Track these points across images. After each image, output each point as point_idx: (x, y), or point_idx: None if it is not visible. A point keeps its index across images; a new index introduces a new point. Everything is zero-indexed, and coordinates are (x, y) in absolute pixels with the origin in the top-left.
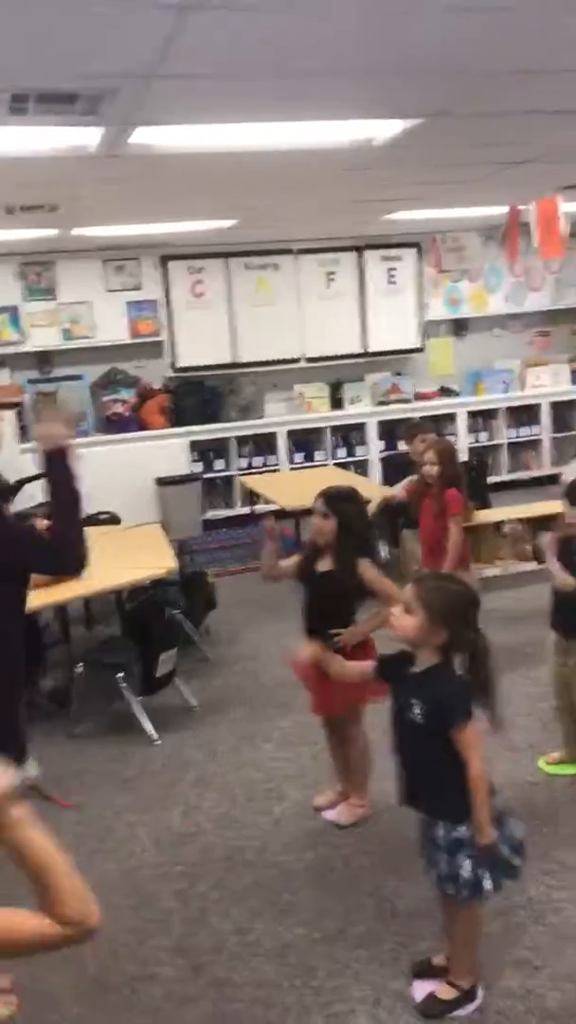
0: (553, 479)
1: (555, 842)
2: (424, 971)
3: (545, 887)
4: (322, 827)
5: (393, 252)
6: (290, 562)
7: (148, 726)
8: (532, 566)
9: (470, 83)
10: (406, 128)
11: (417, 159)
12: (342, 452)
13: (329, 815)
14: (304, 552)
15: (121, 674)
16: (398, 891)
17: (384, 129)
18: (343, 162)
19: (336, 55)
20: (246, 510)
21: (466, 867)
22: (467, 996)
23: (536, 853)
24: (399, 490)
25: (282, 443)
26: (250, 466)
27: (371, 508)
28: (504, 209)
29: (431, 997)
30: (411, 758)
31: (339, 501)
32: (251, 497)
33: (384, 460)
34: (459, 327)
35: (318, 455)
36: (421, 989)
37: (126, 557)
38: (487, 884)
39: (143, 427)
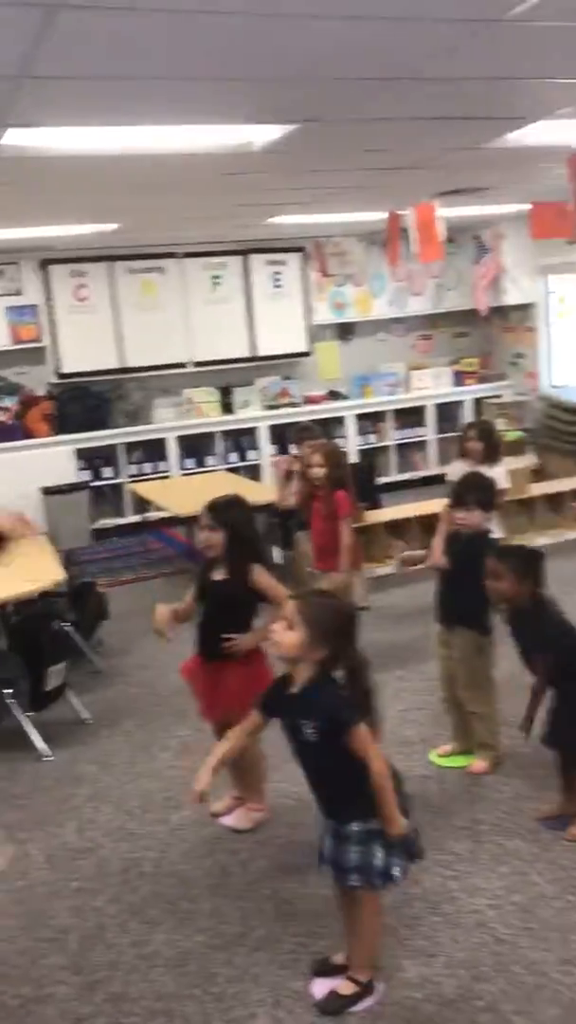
0: (440, 479)
1: (448, 833)
2: (324, 969)
3: (440, 877)
4: (220, 833)
5: (278, 256)
6: (186, 601)
7: (39, 741)
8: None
9: (345, 89)
10: (284, 133)
11: (296, 164)
12: (234, 457)
13: (227, 821)
14: (200, 568)
15: (9, 690)
16: (297, 892)
17: (262, 134)
18: (223, 166)
19: (210, 59)
20: (137, 518)
21: (379, 856)
22: (366, 990)
23: (431, 845)
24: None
25: (172, 449)
26: (140, 473)
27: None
28: (384, 215)
29: (331, 994)
30: (315, 774)
31: (225, 511)
32: (142, 505)
33: (276, 464)
34: (345, 331)
35: (209, 460)
36: (321, 987)
37: (11, 569)
38: (396, 872)
39: (27, 435)
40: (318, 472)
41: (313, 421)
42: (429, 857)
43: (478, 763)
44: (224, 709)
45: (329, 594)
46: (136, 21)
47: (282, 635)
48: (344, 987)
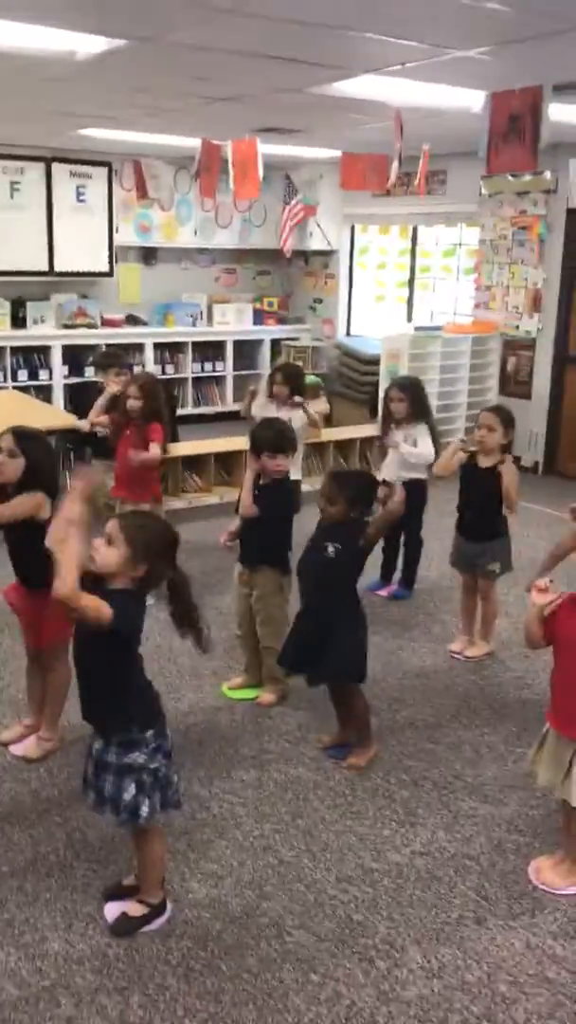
0: (234, 415)
1: (236, 761)
2: (115, 892)
3: (228, 804)
4: (10, 762)
5: (83, 169)
6: None
7: None
8: (215, 499)
9: (177, 13)
10: (110, 47)
11: (119, 80)
12: (23, 375)
13: (17, 750)
14: None
15: None
16: (88, 820)
17: (87, 44)
18: (41, 70)
19: None
20: None
21: (130, 791)
22: (157, 911)
23: (220, 774)
24: (91, 421)
25: None
26: None
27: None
28: (198, 142)
29: (122, 916)
30: (84, 676)
31: (31, 440)
32: None
33: (72, 387)
34: (148, 255)
35: None
36: (113, 910)
37: None
38: (144, 810)
39: None
40: (134, 404)
41: (114, 347)
42: (218, 785)
43: (266, 695)
44: (48, 639)
45: (152, 515)
46: None
47: (103, 551)
48: (134, 909)
